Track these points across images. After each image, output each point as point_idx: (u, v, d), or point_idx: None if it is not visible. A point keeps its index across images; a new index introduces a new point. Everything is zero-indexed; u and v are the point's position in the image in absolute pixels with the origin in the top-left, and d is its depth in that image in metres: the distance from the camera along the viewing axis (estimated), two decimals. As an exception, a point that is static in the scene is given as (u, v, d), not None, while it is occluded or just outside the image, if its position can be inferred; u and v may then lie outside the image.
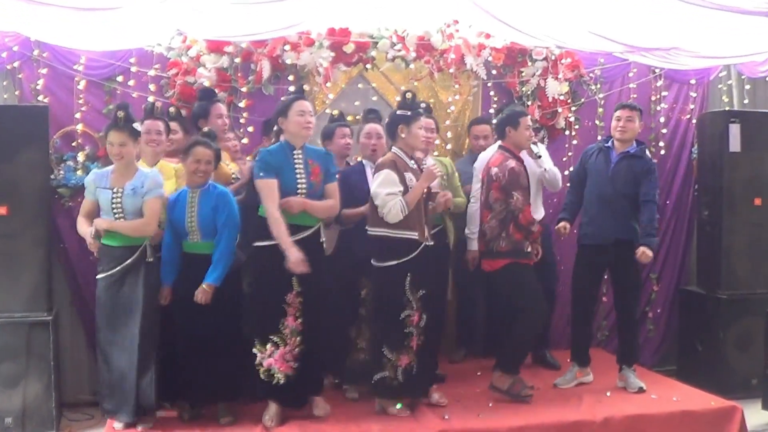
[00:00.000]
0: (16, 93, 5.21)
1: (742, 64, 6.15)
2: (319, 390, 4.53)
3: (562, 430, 4.48)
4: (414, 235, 4.46)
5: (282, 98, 4.63)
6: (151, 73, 5.32)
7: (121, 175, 4.33)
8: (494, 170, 4.78)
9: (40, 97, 5.19)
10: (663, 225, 6.29)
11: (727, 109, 6.25)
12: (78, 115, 5.25)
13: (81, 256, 5.14)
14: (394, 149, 4.58)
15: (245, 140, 5.44)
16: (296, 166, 4.38)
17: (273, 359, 4.32)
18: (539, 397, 4.90)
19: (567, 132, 6.08)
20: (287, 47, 5.35)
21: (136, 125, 4.35)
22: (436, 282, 4.75)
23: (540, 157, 5.18)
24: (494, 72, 5.88)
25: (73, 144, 5.28)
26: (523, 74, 5.92)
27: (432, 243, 4.61)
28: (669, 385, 5.27)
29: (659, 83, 6.26)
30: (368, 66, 5.63)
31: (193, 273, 4.37)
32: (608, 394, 5.00)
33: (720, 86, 6.45)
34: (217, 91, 5.24)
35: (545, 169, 5.27)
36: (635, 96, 6.12)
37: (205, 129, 4.65)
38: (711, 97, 6.47)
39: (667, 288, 6.39)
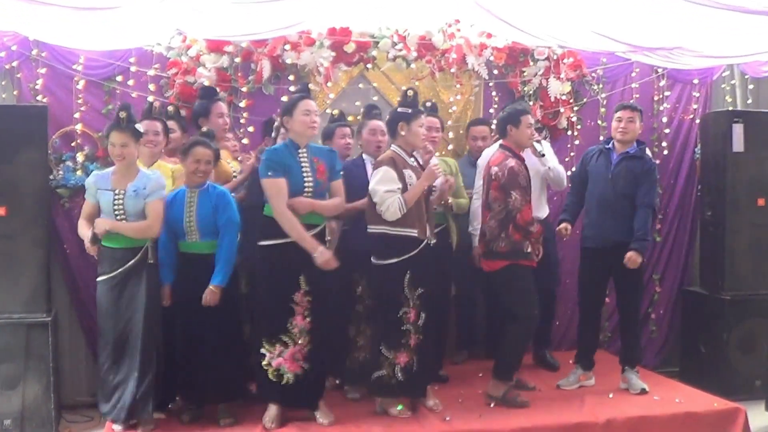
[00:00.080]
0: (15, 93, 5.18)
1: (746, 64, 6.11)
2: (322, 391, 4.51)
3: (564, 431, 4.46)
4: (414, 232, 4.44)
5: (286, 97, 4.60)
6: (151, 72, 5.30)
7: (122, 176, 4.30)
8: (494, 169, 4.76)
9: (39, 97, 5.17)
10: (666, 225, 6.31)
11: (730, 109, 6.23)
12: (77, 115, 5.23)
13: (80, 257, 5.11)
14: (393, 147, 4.56)
15: (245, 140, 5.42)
16: (302, 164, 4.36)
17: (282, 359, 4.30)
18: (541, 398, 4.89)
19: (569, 132, 6.06)
20: (288, 47, 5.34)
21: (138, 126, 4.32)
22: (437, 281, 4.72)
23: (544, 155, 5.16)
24: (496, 72, 5.86)
25: (73, 144, 5.26)
26: (525, 74, 5.90)
27: (434, 242, 4.59)
28: (672, 386, 5.25)
29: (662, 83, 6.24)
30: (369, 66, 5.61)
31: (193, 273, 4.36)
32: (611, 395, 4.99)
33: (723, 86, 6.42)
34: (219, 91, 5.22)
35: (549, 167, 5.25)
36: (638, 96, 6.10)
37: (204, 129, 4.64)
38: (714, 97, 6.45)
39: (669, 289, 6.36)
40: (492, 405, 4.72)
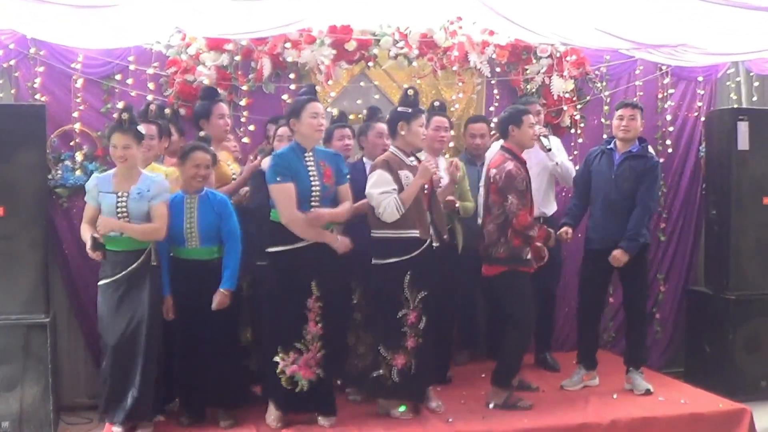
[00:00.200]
0: (13, 91, 5.15)
1: (751, 61, 6.09)
2: (334, 396, 4.47)
3: (567, 433, 4.44)
4: (415, 233, 4.40)
5: (287, 95, 4.55)
6: (150, 71, 5.27)
7: (124, 178, 4.24)
8: (492, 171, 4.69)
9: (37, 96, 5.13)
10: (670, 224, 6.29)
11: (735, 106, 6.19)
12: (76, 114, 5.19)
13: (79, 258, 5.06)
14: (391, 148, 4.53)
15: (246, 140, 5.39)
16: (309, 168, 4.32)
17: (297, 366, 4.26)
18: (544, 399, 4.86)
19: (572, 130, 6.02)
20: (288, 45, 5.31)
21: (141, 128, 4.27)
22: (441, 284, 4.66)
23: (550, 150, 5.11)
24: (498, 69, 5.84)
25: (71, 143, 5.22)
26: (528, 72, 5.87)
27: (438, 244, 4.54)
28: (676, 387, 5.22)
29: (666, 81, 6.21)
30: (370, 64, 5.59)
31: (192, 279, 4.33)
32: (615, 396, 4.96)
33: (728, 83, 6.38)
34: (219, 90, 5.19)
35: (557, 163, 5.21)
36: (641, 94, 6.07)
37: (201, 134, 4.60)
38: (719, 95, 6.42)
39: (674, 289, 6.33)
40: (491, 406, 4.68)
